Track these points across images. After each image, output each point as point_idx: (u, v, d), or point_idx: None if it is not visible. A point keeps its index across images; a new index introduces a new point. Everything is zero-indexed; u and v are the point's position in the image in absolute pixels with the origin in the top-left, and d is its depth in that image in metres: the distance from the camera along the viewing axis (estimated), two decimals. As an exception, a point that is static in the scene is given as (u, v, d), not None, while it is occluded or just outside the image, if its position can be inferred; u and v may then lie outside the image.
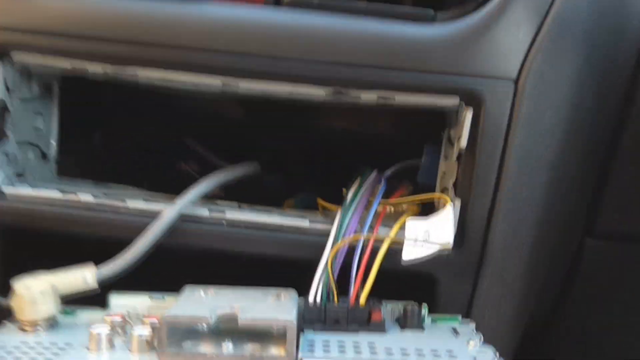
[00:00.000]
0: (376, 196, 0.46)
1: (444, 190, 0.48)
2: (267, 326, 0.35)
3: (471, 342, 0.38)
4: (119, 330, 0.39)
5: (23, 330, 0.39)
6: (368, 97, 0.43)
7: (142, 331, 0.37)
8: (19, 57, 0.44)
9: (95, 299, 0.42)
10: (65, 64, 0.44)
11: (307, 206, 0.59)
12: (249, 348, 0.36)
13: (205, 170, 0.64)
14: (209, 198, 0.48)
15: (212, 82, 0.43)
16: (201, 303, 0.38)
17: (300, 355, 0.35)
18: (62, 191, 0.46)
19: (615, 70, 0.46)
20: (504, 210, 0.43)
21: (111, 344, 0.37)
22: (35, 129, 0.50)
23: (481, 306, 0.44)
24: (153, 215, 0.44)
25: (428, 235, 0.41)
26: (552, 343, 0.52)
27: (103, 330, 0.37)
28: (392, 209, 0.49)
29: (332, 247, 0.42)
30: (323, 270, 0.42)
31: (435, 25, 0.43)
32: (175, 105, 0.67)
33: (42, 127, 0.51)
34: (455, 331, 0.41)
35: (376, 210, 0.46)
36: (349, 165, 0.65)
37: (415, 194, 0.50)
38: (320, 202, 0.57)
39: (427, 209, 0.48)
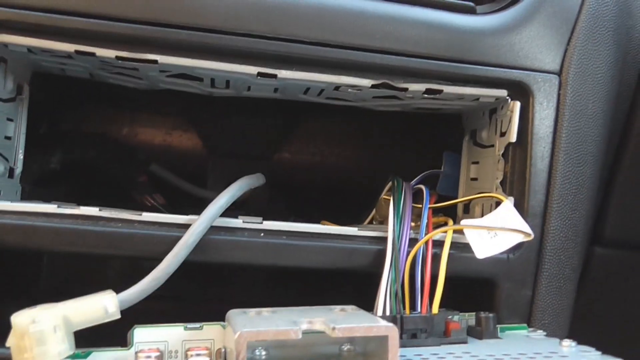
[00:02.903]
0: (424, 203, 0.42)
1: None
2: (366, 334, 0.29)
3: (564, 343, 0.35)
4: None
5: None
6: (416, 88, 0.40)
7: (201, 357, 0.30)
8: (10, 39, 0.36)
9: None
10: (67, 47, 0.36)
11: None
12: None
13: (173, 202, 0.57)
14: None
15: (246, 70, 0.38)
16: (267, 321, 0.31)
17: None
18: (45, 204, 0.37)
19: (629, 66, 0.48)
20: (556, 206, 0.41)
21: (158, 380, 0.29)
22: (6, 138, 0.41)
23: (541, 311, 0.41)
24: (174, 228, 0.37)
25: (494, 233, 0.38)
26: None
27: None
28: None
29: (392, 254, 0.38)
30: (388, 280, 0.37)
31: (481, 17, 0.41)
32: (138, 132, 0.60)
33: (12, 136, 0.42)
34: (530, 338, 0.38)
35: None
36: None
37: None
38: (326, 223, 0.52)
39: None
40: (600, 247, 0.54)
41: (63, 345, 0.31)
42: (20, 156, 0.44)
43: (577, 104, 0.42)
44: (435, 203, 0.48)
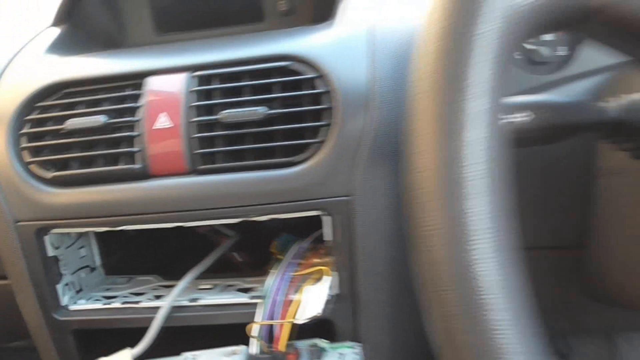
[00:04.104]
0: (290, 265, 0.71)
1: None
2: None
3: (346, 364, 0.63)
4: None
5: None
6: (263, 219, 0.67)
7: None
8: (57, 230, 0.72)
9: None
10: (83, 230, 0.71)
11: (287, 245, 0.84)
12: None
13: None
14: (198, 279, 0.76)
15: (168, 225, 0.69)
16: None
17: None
18: (103, 299, 0.75)
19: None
20: (362, 275, 0.67)
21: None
22: (81, 258, 0.79)
23: (363, 334, 0.69)
24: (155, 310, 0.72)
25: (316, 301, 0.66)
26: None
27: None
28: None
29: (262, 316, 0.68)
30: (257, 330, 0.68)
31: (298, 167, 0.65)
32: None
33: (87, 254, 0.80)
34: (341, 355, 0.66)
35: (292, 277, 0.71)
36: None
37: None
38: (273, 252, 0.81)
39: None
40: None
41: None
42: (97, 257, 0.81)
43: (366, 214, 0.65)
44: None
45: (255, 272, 0.80)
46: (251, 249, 0.90)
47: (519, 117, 0.43)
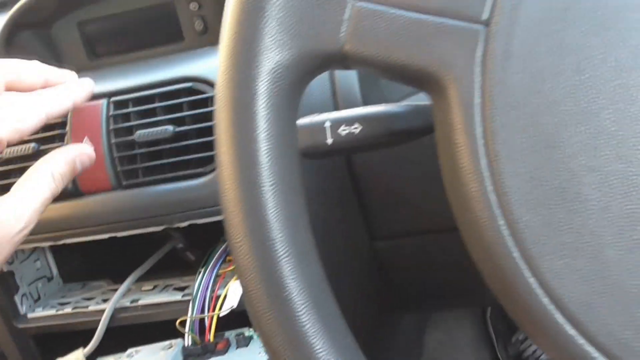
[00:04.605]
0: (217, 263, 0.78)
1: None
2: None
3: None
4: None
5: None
6: (184, 224, 0.75)
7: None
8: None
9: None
10: (30, 246, 0.79)
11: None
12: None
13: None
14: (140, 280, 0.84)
15: (103, 236, 0.77)
16: (126, 362, 0.74)
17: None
18: (57, 306, 0.83)
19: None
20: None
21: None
22: (37, 269, 0.87)
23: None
24: (101, 312, 0.80)
25: (234, 294, 0.74)
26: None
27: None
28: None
29: (192, 311, 0.76)
30: (189, 324, 0.76)
31: (206, 177, 0.72)
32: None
33: (42, 265, 0.88)
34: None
35: (218, 274, 0.79)
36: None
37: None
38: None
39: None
40: (378, 240, 0.83)
41: (66, 374, 0.78)
42: (53, 268, 0.90)
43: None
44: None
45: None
46: (204, 248, 0.98)
47: (347, 130, 0.49)
